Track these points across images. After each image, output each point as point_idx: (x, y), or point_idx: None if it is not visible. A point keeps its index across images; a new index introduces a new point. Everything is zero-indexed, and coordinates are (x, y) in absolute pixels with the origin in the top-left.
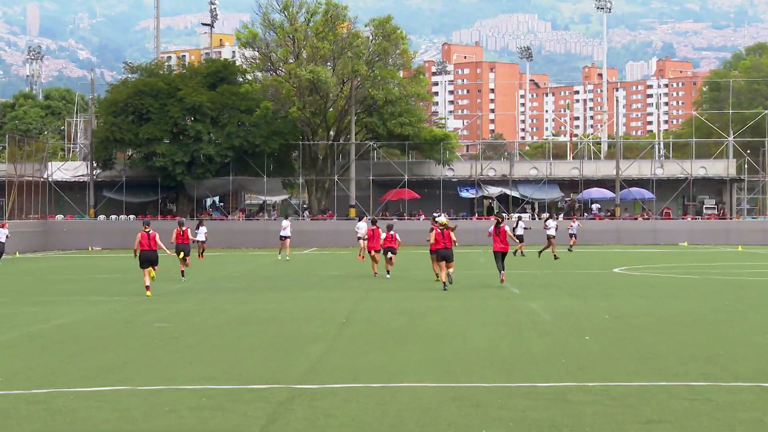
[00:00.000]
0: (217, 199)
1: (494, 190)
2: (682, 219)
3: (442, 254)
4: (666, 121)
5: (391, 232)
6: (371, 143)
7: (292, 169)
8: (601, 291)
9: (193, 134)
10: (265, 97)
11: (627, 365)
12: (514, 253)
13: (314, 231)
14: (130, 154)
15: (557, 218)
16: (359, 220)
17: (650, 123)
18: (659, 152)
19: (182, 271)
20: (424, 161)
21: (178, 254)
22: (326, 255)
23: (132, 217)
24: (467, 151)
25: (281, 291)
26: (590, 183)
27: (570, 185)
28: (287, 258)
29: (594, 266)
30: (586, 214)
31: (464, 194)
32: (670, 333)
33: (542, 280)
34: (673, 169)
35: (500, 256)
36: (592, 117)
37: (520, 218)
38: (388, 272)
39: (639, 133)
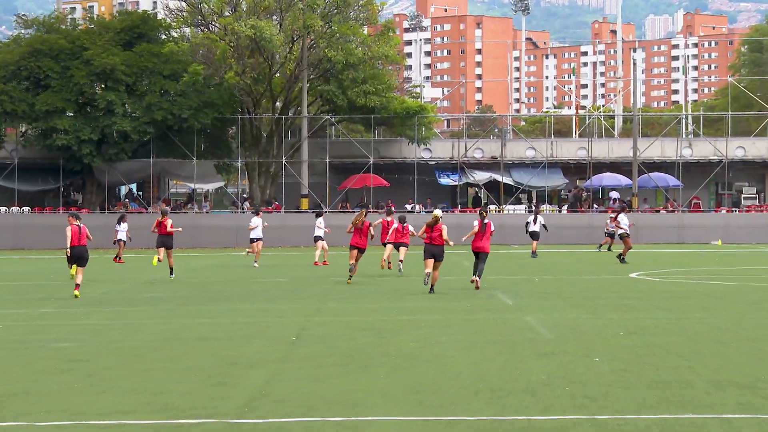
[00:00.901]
0: (134, 187)
1: (482, 176)
2: (715, 212)
3: (430, 251)
4: (695, 90)
5: (404, 224)
6: (328, 117)
7: (228, 149)
8: (614, 301)
9: (104, 106)
10: (194, 59)
11: (646, 394)
12: (533, 254)
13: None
14: (23, 130)
15: (627, 211)
16: (317, 216)
17: (676, 92)
18: (687, 129)
19: (171, 268)
20: (394, 140)
21: (159, 247)
22: (271, 257)
23: (26, 209)
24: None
25: (215, 302)
26: (601, 167)
27: (576, 170)
28: (255, 265)
29: (605, 270)
30: (596, 206)
31: (444, 181)
32: (699, 354)
33: (541, 287)
34: (705, 149)
35: (481, 257)
36: (603, 85)
37: (538, 212)
38: (399, 269)
39: (662, 104)
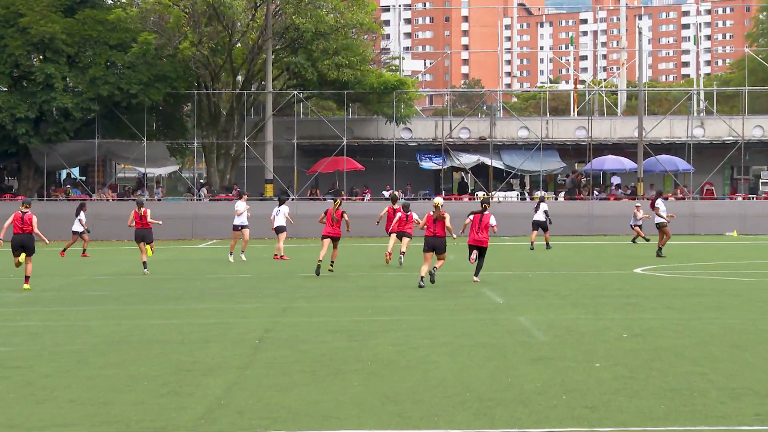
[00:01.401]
0: (76, 171)
1: (468, 159)
2: (730, 199)
3: (431, 243)
4: (708, 63)
5: (408, 212)
6: (295, 93)
7: (183, 129)
8: (617, 300)
9: (42, 80)
10: (144, 27)
11: (653, 403)
12: (548, 245)
13: (216, 216)
14: None
15: (664, 198)
16: (280, 204)
17: (686, 65)
18: (698, 106)
19: (144, 263)
20: (370, 118)
21: (138, 242)
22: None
23: None
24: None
25: (169, 301)
26: (603, 149)
27: (575, 152)
28: (242, 258)
29: (607, 265)
30: (596, 192)
31: (426, 164)
32: (712, 358)
33: (536, 284)
34: (718, 129)
35: (479, 251)
36: (605, 57)
37: (542, 200)
38: (400, 262)
39: (671, 79)
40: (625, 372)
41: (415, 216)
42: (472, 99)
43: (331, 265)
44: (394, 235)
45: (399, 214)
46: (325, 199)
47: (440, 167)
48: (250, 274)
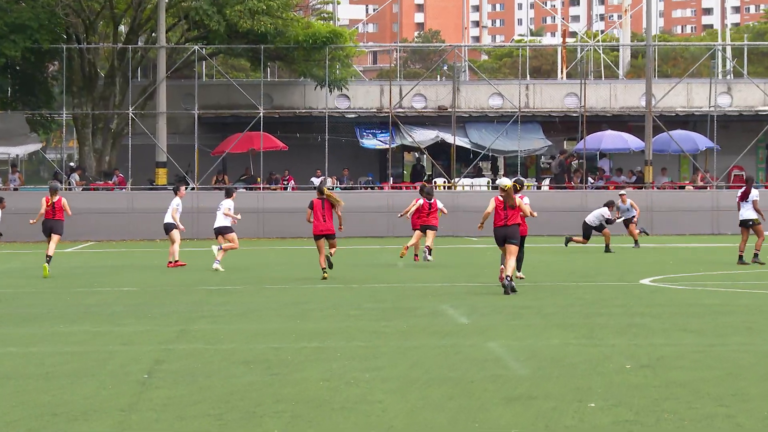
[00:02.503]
0: None
1: (424, 136)
2: (765, 188)
3: (502, 234)
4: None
5: (431, 200)
6: (196, 48)
7: (48, 96)
8: (619, 320)
9: None
10: None
11: None
12: (607, 248)
13: (92, 211)
14: None
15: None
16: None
17: (708, 12)
18: (724, 66)
19: (49, 257)
20: (294, 82)
21: (47, 234)
22: (113, 254)
23: None
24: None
25: (28, 323)
26: (599, 122)
27: (563, 127)
28: (217, 266)
29: (606, 274)
30: (591, 180)
31: (369, 143)
32: (742, 396)
33: (512, 299)
34: (750, 96)
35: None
36: (602, 2)
37: (622, 194)
38: (426, 257)
39: (689, 30)
40: (629, 415)
41: (440, 204)
42: (428, 57)
43: (325, 271)
44: (418, 231)
45: (420, 202)
46: (236, 188)
47: (387, 146)
48: (136, 287)
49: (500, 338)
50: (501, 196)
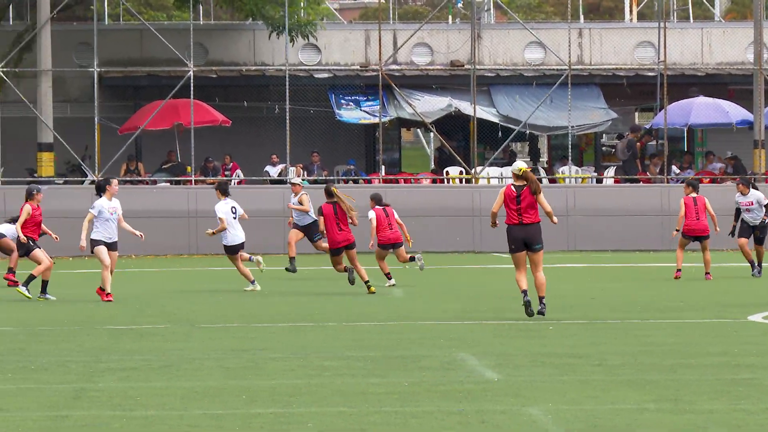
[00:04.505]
0: None
1: (430, 105)
2: None
3: (519, 238)
4: None
5: (385, 206)
6: None
7: None
8: (718, 374)
9: None
10: None
11: None
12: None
13: None
14: None
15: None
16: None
17: None
18: None
19: (36, 279)
20: (239, 27)
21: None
22: None
23: None
24: None
25: None
26: (685, 85)
27: (634, 92)
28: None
29: (699, 306)
30: (677, 169)
31: (348, 115)
32: None
33: (559, 343)
34: None
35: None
36: None
37: (751, 182)
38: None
39: None
40: None
41: (395, 214)
42: None
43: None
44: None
45: (372, 214)
46: (154, 182)
47: (377, 119)
48: (11, 325)
49: (544, 401)
50: (514, 185)
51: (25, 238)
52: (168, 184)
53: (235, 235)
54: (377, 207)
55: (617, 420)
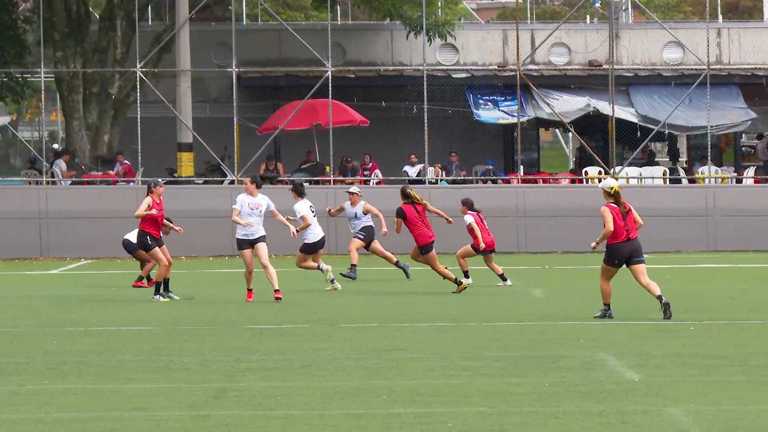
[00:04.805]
0: None
1: (568, 105)
2: None
3: (627, 252)
4: None
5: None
6: None
7: (18, 46)
8: None
9: None
10: None
11: None
12: None
13: (83, 214)
14: None
15: None
16: (299, 195)
17: None
18: None
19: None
20: (377, 27)
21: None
22: (116, 277)
23: None
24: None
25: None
26: None
27: None
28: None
29: None
30: None
31: (487, 115)
32: None
33: (701, 343)
34: None
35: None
36: None
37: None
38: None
39: None
40: None
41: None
42: None
43: (457, 282)
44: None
45: (470, 218)
46: (292, 182)
47: (515, 119)
48: (152, 324)
49: (685, 402)
50: (611, 202)
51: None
52: (307, 183)
53: (316, 233)
54: (470, 212)
55: (759, 422)
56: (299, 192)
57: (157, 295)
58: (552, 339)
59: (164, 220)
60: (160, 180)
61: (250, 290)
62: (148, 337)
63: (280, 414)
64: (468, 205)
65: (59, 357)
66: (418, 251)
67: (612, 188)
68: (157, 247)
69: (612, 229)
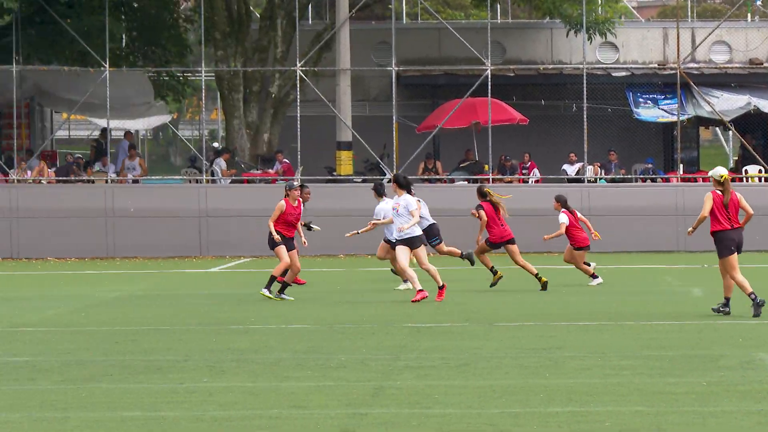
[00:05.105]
0: None
1: (729, 103)
2: None
3: (734, 238)
4: None
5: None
6: None
7: (180, 46)
8: None
9: None
10: None
11: None
12: None
13: (244, 212)
14: None
15: None
16: (380, 194)
17: None
18: None
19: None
20: (537, 26)
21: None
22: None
23: None
24: None
25: (155, 376)
26: None
27: None
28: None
29: None
30: None
31: (646, 113)
32: None
33: None
34: None
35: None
36: None
37: None
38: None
39: None
40: None
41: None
42: None
43: (541, 282)
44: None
45: (564, 218)
46: (452, 180)
47: (675, 118)
48: (309, 323)
49: None
50: (718, 190)
51: (278, 235)
52: (466, 182)
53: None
54: (564, 209)
55: None
56: (380, 192)
57: (266, 290)
58: (710, 338)
59: (299, 224)
60: (295, 183)
61: (440, 288)
62: (306, 335)
63: (438, 412)
64: (561, 202)
65: (218, 355)
66: (491, 247)
67: (721, 176)
68: (282, 246)
69: (706, 215)
